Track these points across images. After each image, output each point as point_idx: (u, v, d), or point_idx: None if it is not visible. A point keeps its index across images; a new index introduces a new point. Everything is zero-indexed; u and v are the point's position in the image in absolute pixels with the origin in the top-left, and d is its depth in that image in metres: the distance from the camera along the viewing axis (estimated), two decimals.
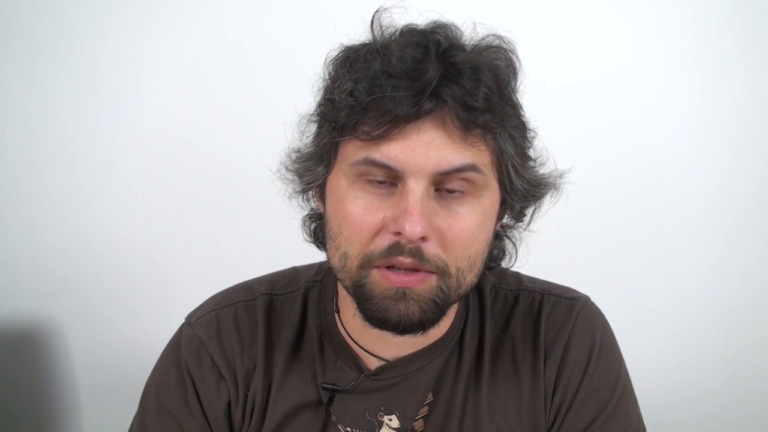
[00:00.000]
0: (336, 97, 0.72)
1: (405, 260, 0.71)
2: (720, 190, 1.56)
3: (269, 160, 0.86)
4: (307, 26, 1.46)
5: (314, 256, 0.91)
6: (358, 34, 0.77)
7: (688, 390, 1.65)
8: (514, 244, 0.88)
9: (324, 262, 0.92)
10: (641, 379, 0.96)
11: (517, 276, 0.93)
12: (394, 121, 0.69)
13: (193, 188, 1.57)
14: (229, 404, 0.86)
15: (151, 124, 1.55)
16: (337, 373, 0.86)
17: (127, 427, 0.91)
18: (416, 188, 0.70)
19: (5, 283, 1.66)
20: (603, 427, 0.85)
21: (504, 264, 0.89)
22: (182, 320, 0.90)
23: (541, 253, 0.92)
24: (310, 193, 0.84)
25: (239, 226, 1.57)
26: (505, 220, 0.84)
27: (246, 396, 0.86)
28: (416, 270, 0.72)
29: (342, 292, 0.84)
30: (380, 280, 0.73)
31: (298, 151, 0.82)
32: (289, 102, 0.83)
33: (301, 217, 0.89)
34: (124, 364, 1.69)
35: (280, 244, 1.05)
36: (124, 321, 1.66)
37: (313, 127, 0.80)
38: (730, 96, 1.52)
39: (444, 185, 0.72)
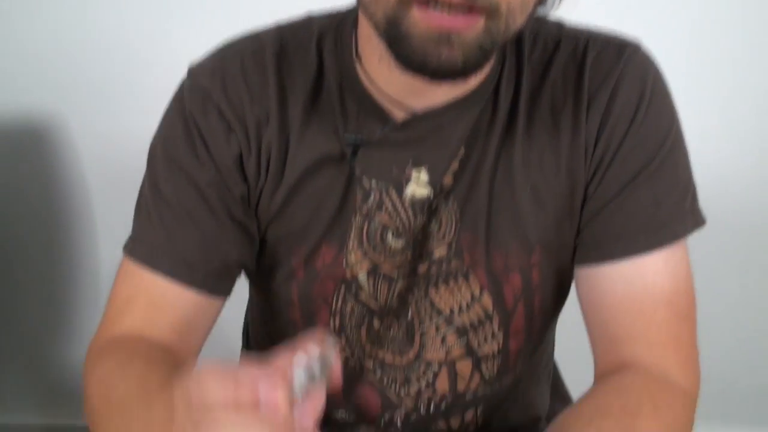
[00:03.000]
0: None
1: None
2: None
3: None
4: None
5: None
6: None
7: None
8: None
9: (336, 11, 0.82)
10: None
11: (559, 23, 0.83)
12: None
13: None
14: (240, 156, 0.79)
15: None
16: (360, 126, 0.78)
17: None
18: None
19: (5, 78, 1.60)
20: (650, 180, 0.77)
21: (546, 10, 0.79)
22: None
23: None
24: None
25: None
26: None
27: (259, 148, 0.78)
28: (468, 8, 0.63)
29: (365, 34, 0.75)
30: (421, 20, 0.63)
31: None
32: None
33: None
34: (132, 155, 1.62)
35: None
36: (128, 113, 1.59)
37: None
38: None
39: None
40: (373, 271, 0.82)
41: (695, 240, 0.80)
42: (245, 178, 0.79)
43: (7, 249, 1.76)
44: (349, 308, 0.83)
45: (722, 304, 1.75)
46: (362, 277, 0.82)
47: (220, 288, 0.81)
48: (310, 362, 0.50)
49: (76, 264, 1.78)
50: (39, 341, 1.86)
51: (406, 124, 0.78)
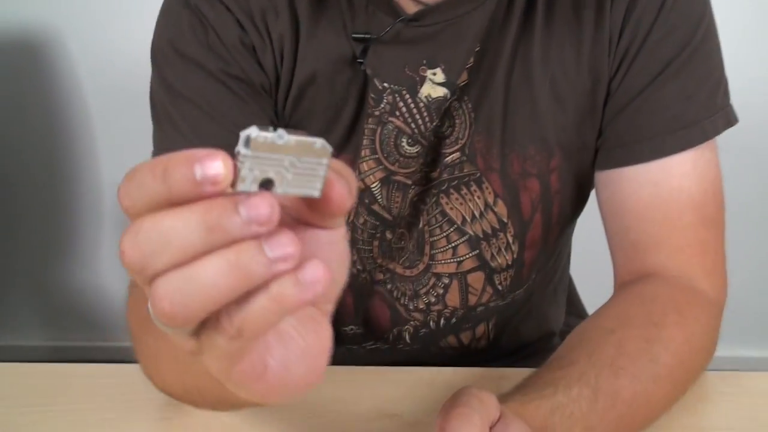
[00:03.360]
0: None
1: None
2: None
3: None
4: None
5: None
6: None
7: None
8: None
9: None
10: None
11: None
12: None
13: None
14: (254, 48, 0.73)
15: None
16: (369, 20, 0.73)
17: (142, 128, 0.81)
18: None
19: None
20: (679, 72, 0.72)
21: None
22: None
23: None
24: None
25: None
26: None
27: (271, 41, 0.73)
28: None
29: None
30: None
31: None
32: None
33: None
34: (128, 66, 1.59)
35: None
36: (123, 22, 1.55)
37: None
38: None
39: None
40: (387, 180, 0.77)
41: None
42: (263, 69, 0.74)
43: (7, 169, 1.73)
44: (361, 221, 0.79)
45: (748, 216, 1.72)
46: (375, 186, 0.78)
47: None
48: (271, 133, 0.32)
49: (77, 182, 1.75)
50: (42, 262, 1.84)
51: (418, 17, 0.72)
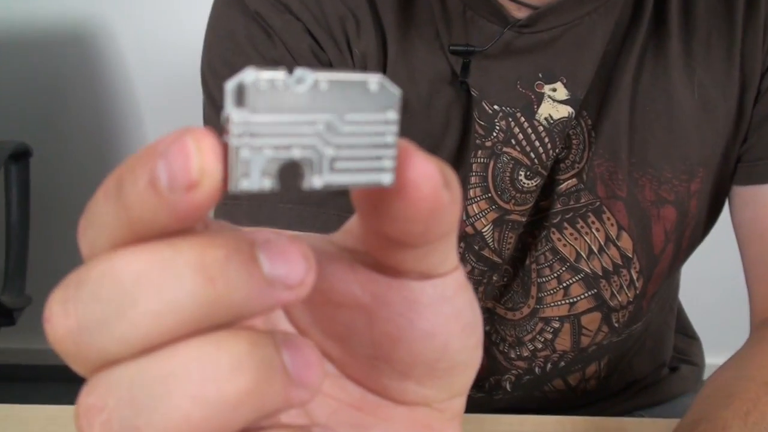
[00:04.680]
0: None
1: None
2: None
3: None
4: None
5: None
6: None
7: None
8: None
9: None
10: None
11: None
12: None
13: None
14: (330, 64, 0.60)
15: None
16: (468, 29, 0.60)
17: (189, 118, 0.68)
18: None
19: None
20: None
21: None
22: None
23: None
24: None
25: None
26: None
27: (352, 56, 0.60)
28: None
29: None
30: None
31: None
32: None
33: None
34: (180, 57, 1.50)
35: None
36: (176, 13, 1.45)
37: None
38: None
39: None
40: (500, 221, 0.64)
41: None
42: None
43: (54, 168, 1.64)
44: (468, 269, 0.67)
45: None
46: (487, 230, 0.65)
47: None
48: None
49: None
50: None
51: (530, 22, 0.59)
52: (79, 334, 0.18)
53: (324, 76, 0.18)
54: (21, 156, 1.26)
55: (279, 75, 0.18)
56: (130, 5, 1.49)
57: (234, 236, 0.18)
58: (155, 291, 0.17)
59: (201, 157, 0.17)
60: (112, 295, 0.17)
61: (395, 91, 0.19)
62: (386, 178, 0.18)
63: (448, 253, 0.22)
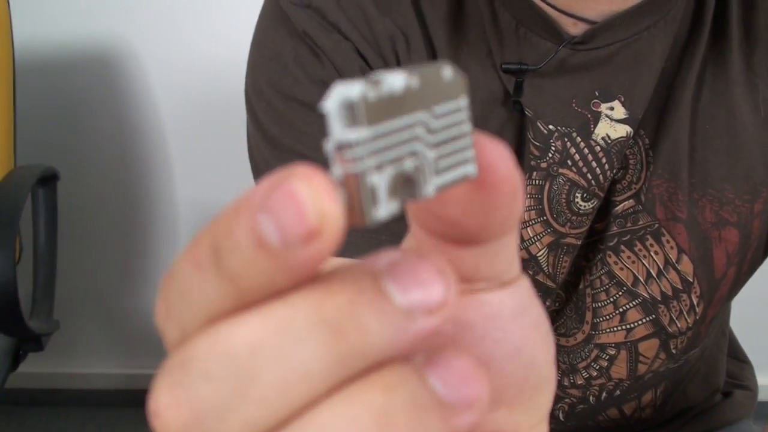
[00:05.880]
0: None
1: None
2: None
3: None
4: None
5: None
6: None
7: None
8: None
9: None
10: None
11: None
12: None
13: None
14: None
15: None
16: (521, 46, 0.58)
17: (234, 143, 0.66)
18: None
19: (73, 4, 1.47)
20: None
21: None
22: None
23: None
24: None
25: None
26: None
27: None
28: None
29: None
30: None
31: None
32: None
33: None
34: (205, 80, 1.48)
35: None
36: (200, 34, 1.43)
37: None
38: None
39: None
40: (555, 245, 0.62)
41: None
42: None
43: (80, 189, 1.63)
44: None
45: None
46: (542, 254, 0.62)
47: None
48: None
49: (151, 202, 1.64)
50: (115, 289, 1.75)
51: (587, 38, 0.57)
52: (198, 424, 0.15)
53: (413, 73, 0.16)
54: (49, 180, 1.25)
55: (380, 82, 0.16)
56: (155, 29, 1.49)
57: (351, 271, 0.15)
58: (277, 360, 0.15)
59: (316, 199, 0.14)
60: (228, 372, 0.15)
61: (462, 76, 0.18)
62: (472, 169, 0.17)
63: (515, 253, 0.20)
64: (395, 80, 0.16)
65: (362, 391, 0.15)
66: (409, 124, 0.16)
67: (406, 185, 0.16)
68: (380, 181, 0.15)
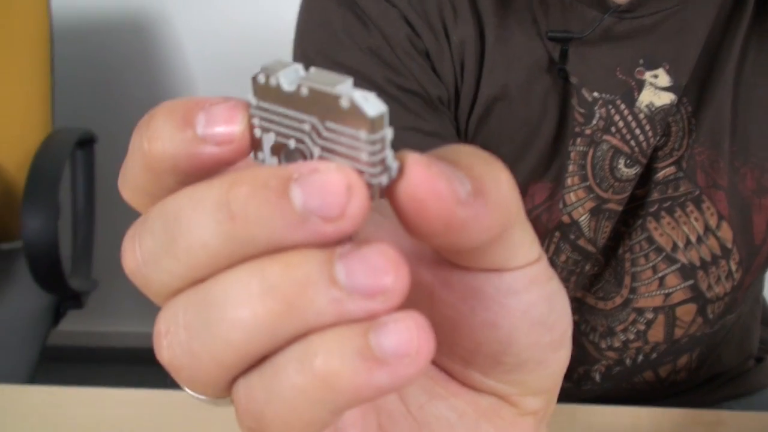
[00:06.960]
0: None
1: None
2: None
3: None
4: None
5: None
6: None
7: None
8: None
9: None
10: None
11: None
12: None
13: None
14: (428, 54, 0.59)
15: None
16: (566, 15, 0.59)
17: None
18: None
19: None
20: None
21: None
22: None
23: None
24: None
25: None
26: None
27: (450, 46, 0.59)
28: None
29: None
30: None
31: None
32: None
33: None
34: (237, 45, 1.50)
35: None
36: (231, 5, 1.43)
37: None
38: None
39: None
40: (597, 210, 0.63)
41: None
42: (440, 79, 0.60)
43: (113, 156, 1.65)
44: (562, 258, 0.66)
45: None
46: (584, 219, 0.63)
47: None
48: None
49: None
50: None
51: (632, 7, 0.57)
52: (144, 266, 0.20)
53: (308, 83, 0.18)
54: (86, 143, 1.27)
55: (285, 70, 0.19)
56: None
57: (272, 169, 0.18)
58: (187, 228, 0.18)
59: (240, 121, 0.19)
60: (162, 230, 0.19)
61: (372, 112, 0.18)
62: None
63: (514, 250, 0.21)
64: (286, 80, 0.19)
65: (264, 265, 0.18)
66: (297, 117, 0.19)
67: (287, 156, 0.19)
68: (266, 139, 0.19)
